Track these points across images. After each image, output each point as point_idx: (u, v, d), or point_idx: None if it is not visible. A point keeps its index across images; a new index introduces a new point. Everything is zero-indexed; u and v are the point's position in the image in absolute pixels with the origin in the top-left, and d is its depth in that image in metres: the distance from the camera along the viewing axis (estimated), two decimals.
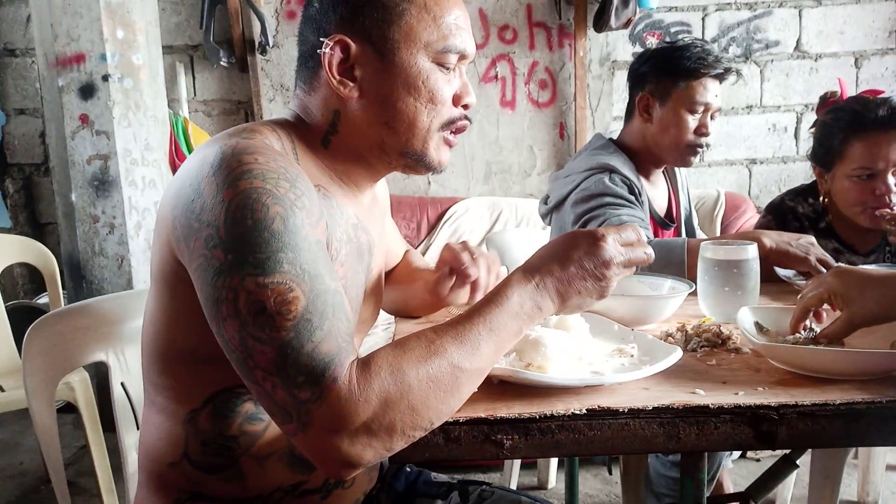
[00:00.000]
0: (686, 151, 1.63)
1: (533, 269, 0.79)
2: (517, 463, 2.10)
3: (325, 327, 0.69)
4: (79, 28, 2.42)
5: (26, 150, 3.22)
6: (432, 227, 3.01)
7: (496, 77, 3.13)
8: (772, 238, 1.33)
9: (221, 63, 3.02)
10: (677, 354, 0.86)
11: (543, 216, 1.79)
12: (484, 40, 3.09)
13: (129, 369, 1.18)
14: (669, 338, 1.02)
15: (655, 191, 1.75)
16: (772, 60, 3.17)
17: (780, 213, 1.67)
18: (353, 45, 0.85)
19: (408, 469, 1.10)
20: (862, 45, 3.17)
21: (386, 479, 1.08)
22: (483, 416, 0.76)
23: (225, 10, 3.00)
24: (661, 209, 1.75)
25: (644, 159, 1.69)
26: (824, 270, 1.31)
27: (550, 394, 0.81)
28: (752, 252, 1.12)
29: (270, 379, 0.68)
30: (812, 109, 3.00)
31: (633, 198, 1.55)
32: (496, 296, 0.77)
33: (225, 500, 0.88)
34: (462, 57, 0.90)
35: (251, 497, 0.88)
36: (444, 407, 0.72)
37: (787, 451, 1.34)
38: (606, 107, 3.17)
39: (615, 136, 1.75)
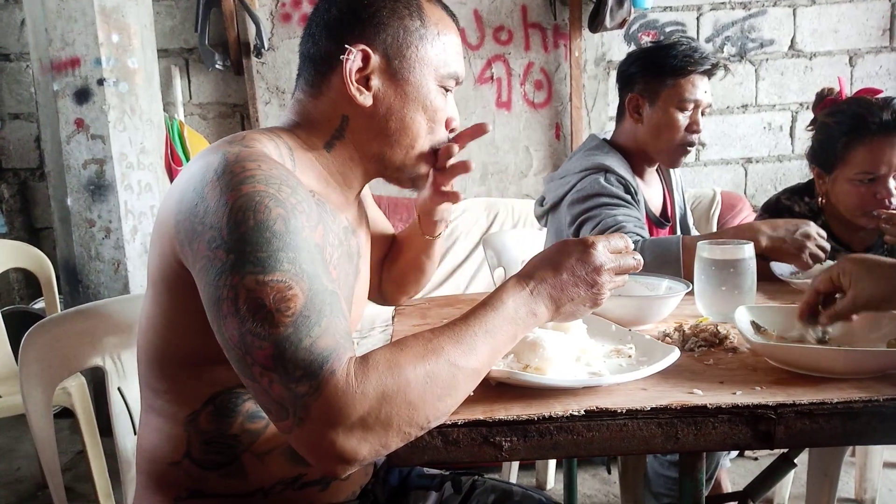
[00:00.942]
0: (678, 151, 1.63)
1: (527, 276, 0.82)
2: (515, 464, 2.09)
3: (322, 324, 0.70)
4: (73, 32, 2.41)
5: (22, 154, 3.21)
6: None
7: (492, 78, 3.11)
8: (767, 235, 1.34)
9: (217, 66, 3.02)
10: (675, 355, 0.86)
11: (539, 218, 1.79)
12: (479, 41, 3.08)
13: (126, 374, 1.18)
14: (667, 338, 1.02)
15: (650, 190, 1.75)
16: (766, 59, 3.18)
17: (777, 212, 1.67)
18: (373, 56, 0.89)
19: None
20: (856, 44, 3.18)
21: (380, 474, 1.09)
22: (481, 418, 0.76)
23: (220, 13, 2.99)
24: (656, 208, 1.75)
25: (637, 159, 1.69)
26: (813, 266, 1.32)
27: (548, 395, 0.81)
28: (748, 252, 1.13)
29: (268, 375, 0.68)
30: (807, 108, 3.01)
31: (628, 197, 1.55)
32: (492, 300, 0.79)
33: (226, 495, 0.89)
34: (457, 82, 0.97)
35: (252, 491, 0.89)
36: (440, 405, 0.72)
37: (785, 450, 1.34)
38: (602, 107, 3.17)
39: (609, 137, 1.76)
